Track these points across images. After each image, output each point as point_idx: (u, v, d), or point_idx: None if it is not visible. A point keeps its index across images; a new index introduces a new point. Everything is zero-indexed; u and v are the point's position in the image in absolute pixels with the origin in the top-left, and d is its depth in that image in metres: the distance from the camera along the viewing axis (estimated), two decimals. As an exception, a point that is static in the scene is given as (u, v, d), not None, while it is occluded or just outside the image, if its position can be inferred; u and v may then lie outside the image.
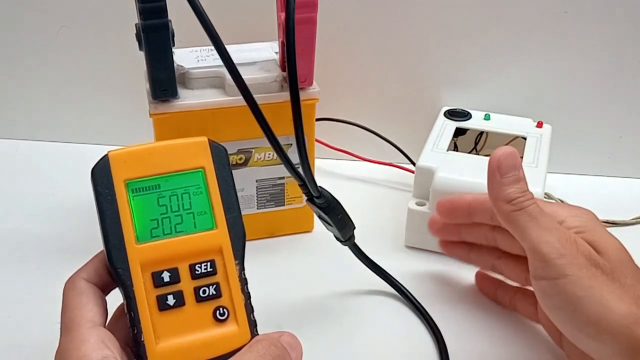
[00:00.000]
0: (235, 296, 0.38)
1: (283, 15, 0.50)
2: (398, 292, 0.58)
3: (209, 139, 0.40)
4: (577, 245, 0.44)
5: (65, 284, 0.38)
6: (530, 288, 0.52)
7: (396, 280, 0.58)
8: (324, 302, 0.58)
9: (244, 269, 0.39)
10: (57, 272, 0.60)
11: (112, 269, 0.37)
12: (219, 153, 0.40)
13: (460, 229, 0.56)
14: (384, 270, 0.57)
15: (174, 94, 0.57)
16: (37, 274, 0.60)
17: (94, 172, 0.38)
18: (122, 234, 0.37)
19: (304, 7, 0.53)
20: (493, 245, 0.54)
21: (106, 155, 0.38)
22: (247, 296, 0.39)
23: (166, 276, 0.37)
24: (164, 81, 0.55)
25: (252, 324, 0.38)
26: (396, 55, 0.74)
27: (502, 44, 0.72)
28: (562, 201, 0.68)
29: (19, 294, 0.59)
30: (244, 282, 0.39)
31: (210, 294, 0.38)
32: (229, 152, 0.61)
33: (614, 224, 0.68)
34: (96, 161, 0.38)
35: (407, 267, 0.62)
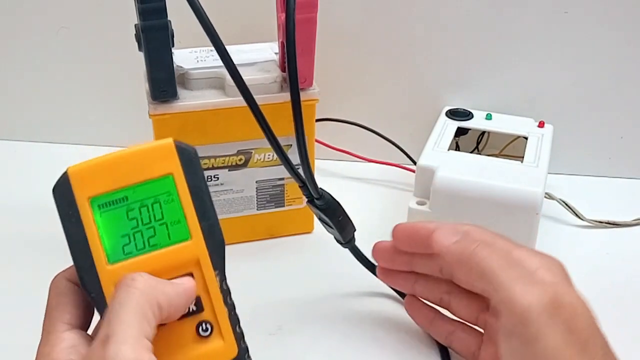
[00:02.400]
0: (218, 309, 0.36)
1: (283, 15, 0.50)
2: (398, 294, 0.57)
3: (175, 141, 0.36)
4: (557, 305, 0.38)
5: (51, 282, 0.37)
6: (478, 328, 0.48)
7: None
8: (324, 303, 0.58)
9: (225, 279, 0.37)
10: (54, 274, 0.60)
11: (86, 294, 0.35)
12: (187, 156, 0.36)
13: (413, 259, 0.49)
14: None
15: (173, 95, 0.56)
16: (35, 275, 0.60)
17: (54, 191, 0.35)
18: (91, 256, 0.35)
19: (304, 7, 0.53)
20: (448, 278, 0.47)
21: (65, 172, 0.35)
22: (231, 307, 0.37)
23: None
24: (163, 82, 0.55)
25: (239, 337, 0.36)
26: (397, 55, 0.74)
27: (504, 43, 0.72)
28: (563, 201, 0.68)
29: (14, 295, 0.59)
30: (226, 293, 0.36)
31: (191, 309, 0.36)
32: (229, 153, 0.61)
33: (615, 225, 0.68)
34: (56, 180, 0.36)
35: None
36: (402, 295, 0.56)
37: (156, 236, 0.36)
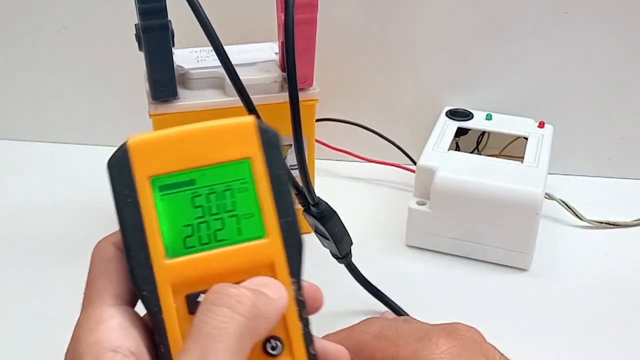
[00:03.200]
0: (291, 324, 0.30)
1: (283, 15, 0.49)
2: (395, 313, 0.56)
3: (257, 120, 0.31)
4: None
5: (94, 248, 0.31)
6: None
7: (393, 302, 0.56)
8: (323, 308, 0.58)
9: (301, 288, 0.31)
10: (55, 272, 0.60)
11: (137, 291, 0.29)
12: (270, 139, 0.30)
13: None
14: (381, 292, 0.56)
15: (173, 95, 0.56)
16: (35, 274, 0.60)
17: (109, 166, 0.29)
18: (147, 246, 0.29)
19: (304, 7, 0.53)
20: None
21: (124, 143, 0.29)
22: (306, 323, 0.30)
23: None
24: (163, 82, 0.55)
25: (312, 359, 0.30)
26: (398, 56, 0.74)
27: (504, 44, 0.72)
28: (563, 202, 0.68)
29: (16, 294, 0.59)
30: (301, 305, 0.30)
31: None
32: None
33: (615, 225, 0.68)
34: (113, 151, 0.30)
35: (408, 267, 0.62)
36: (396, 311, 0.56)
37: (224, 230, 0.30)
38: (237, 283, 0.29)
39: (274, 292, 0.29)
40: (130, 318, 0.29)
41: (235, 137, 0.30)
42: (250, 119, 0.30)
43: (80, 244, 0.56)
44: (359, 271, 0.54)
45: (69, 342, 0.29)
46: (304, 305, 0.30)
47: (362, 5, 0.72)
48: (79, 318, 0.29)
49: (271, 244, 0.30)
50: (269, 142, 0.30)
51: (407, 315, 0.55)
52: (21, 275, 0.61)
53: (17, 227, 0.68)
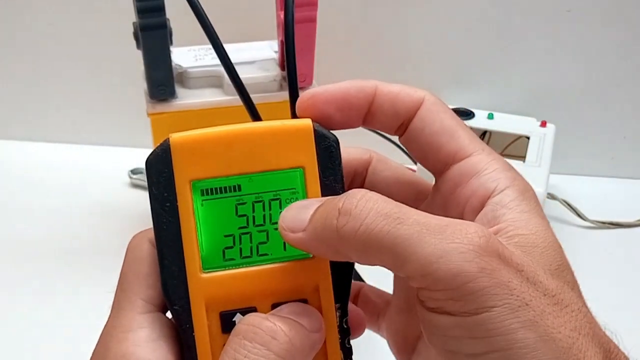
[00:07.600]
0: (332, 354, 0.27)
1: (282, 14, 0.49)
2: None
3: (314, 123, 0.28)
4: (500, 250, 0.25)
5: (129, 243, 0.29)
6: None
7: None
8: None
9: (346, 315, 0.28)
10: (55, 273, 0.59)
11: (168, 304, 0.27)
12: (327, 146, 0.28)
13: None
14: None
15: (172, 93, 0.56)
16: (35, 275, 0.60)
17: (148, 164, 0.27)
18: (182, 257, 0.27)
19: (304, 5, 0.53)
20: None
21: (167, 140, 0.27)
22: (348, 353, 0.28)
23: (239, 319, 0.27)
24: (161, 80, 0.55)
25: None
26: (399, 54, 0.73)
27: (506, 42, 0.72)
28: (565, 202, 0.68)
29: (15, 296, 0.58)
30: (345, 333, 0.28)
31: None
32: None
33: (618, 225, 0.67)
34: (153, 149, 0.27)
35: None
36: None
37: (268, 244, 0.28)
38: (276, 304, 0.27)
39: (311, 323, 0.27)
40: (161, 328, 0.27)
41: (290, 143, 0.28)
42: (307, 122, 0.28)
43: (81, 245, 0.56)
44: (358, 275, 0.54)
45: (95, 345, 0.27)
46: (347, 333, 0.28)
47: (363, 3, 0.71)
48: (107, 321, 0.27)
49: (317, 264, 0.27)
50: (326, 150, 0.28)
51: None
52: (18, 276, 0.60)
53: (16, 227, 0.67)
